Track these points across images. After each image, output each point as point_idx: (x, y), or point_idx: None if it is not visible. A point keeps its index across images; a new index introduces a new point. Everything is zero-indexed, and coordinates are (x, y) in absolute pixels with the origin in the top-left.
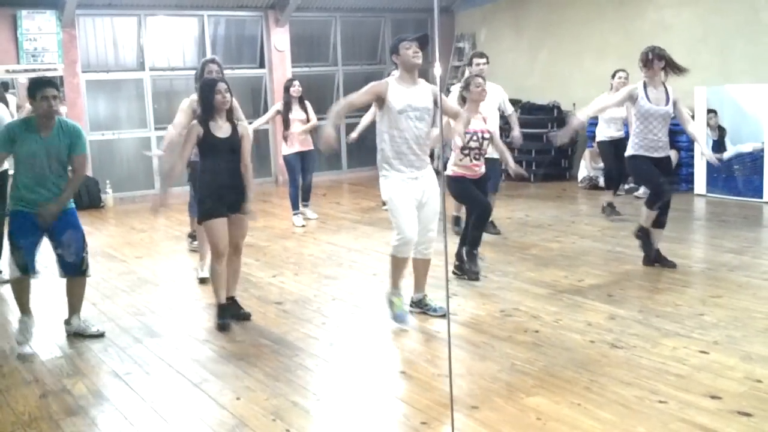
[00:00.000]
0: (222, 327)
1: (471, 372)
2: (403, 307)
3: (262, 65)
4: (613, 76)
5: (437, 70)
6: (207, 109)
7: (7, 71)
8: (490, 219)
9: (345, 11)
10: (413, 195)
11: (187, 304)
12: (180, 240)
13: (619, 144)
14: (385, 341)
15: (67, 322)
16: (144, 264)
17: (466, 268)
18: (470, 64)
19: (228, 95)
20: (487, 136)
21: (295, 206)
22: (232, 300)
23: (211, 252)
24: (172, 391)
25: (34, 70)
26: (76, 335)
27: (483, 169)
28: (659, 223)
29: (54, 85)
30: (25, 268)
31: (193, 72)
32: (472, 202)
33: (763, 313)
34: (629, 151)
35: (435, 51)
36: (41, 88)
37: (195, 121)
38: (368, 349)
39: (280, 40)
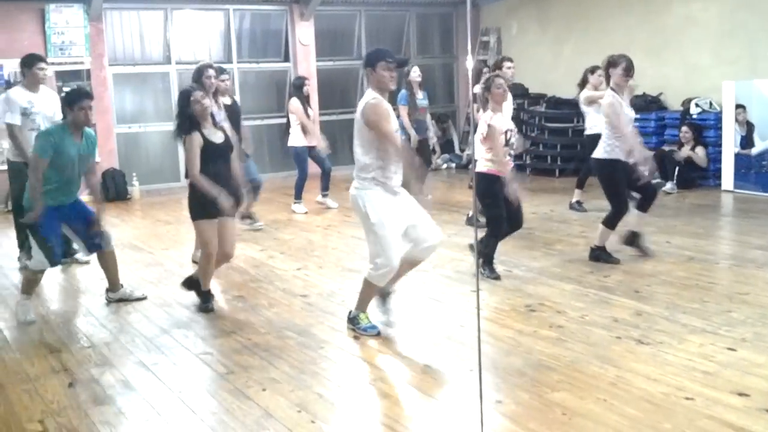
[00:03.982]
0: (207, 309)
1: (496, 366)
2: (370, 319)
3: (286, 59)
4: (593, 72)
5: (469, 62)
6: (193, 120)
7: None
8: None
9: (370, 5)
10: (400, 213)
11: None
12: None
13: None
14: (410, 334)
15: (111, 291)
16: (170, 256)
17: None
18: (500, 67)
19: (206, 101)
20: (515, 133)
21: (298, 195)
22: (207, 290)
23: (202, 251)
24: (199, 382)
25: (61, 64)
26: (120, 301)
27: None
28: (643, 207)
29: (91, 96)
30: (54, 261)
31: (219, 66)
32: (494, 208)
33: None
34: (606, 155)
35: (467, 45)
36: (80, 99)
37: (196, 132)
38: (393, 342)
39: (304, 34)
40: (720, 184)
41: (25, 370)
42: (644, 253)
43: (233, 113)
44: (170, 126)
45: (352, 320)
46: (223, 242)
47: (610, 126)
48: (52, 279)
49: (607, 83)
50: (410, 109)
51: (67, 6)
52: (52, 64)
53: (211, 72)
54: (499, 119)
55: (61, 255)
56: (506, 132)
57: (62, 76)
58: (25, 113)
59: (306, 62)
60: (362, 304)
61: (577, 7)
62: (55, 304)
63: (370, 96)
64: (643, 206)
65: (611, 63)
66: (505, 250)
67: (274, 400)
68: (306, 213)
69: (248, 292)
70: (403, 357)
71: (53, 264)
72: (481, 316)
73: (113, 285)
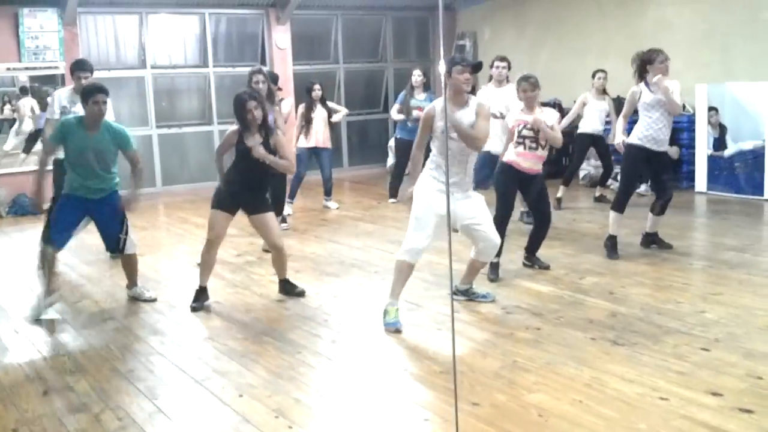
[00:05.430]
0: (194, 309)
1: (473, 369)
2: (398, 316)
3: (263, 63)
4: (593, 76)
5: (441, 67)
6: (241, 124)
7: (8, 69)
8: (525, 209)
9: (346, 9)
10: (439, 208)
11: (189, 302)
12: (182, 237)
13: (598, 140)
14: (387, 338)
15: (127, 287)
16: (146, 261)
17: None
18: (491, 65)
19: (258, 112)
20: (534, 130)
21: (291, 196)
22: (285, 281)
23: (207, 238)
24: (175, 389)
25: (35, 69)
26: (133, 299)
27: (537, 167)
28: (659, 209)
29: (105, 91)
30: (50, 242)
31: (194, 70)
32: (500, 200)
33: (764, 311)
34: (632, 139)
35: (439, 49)
36: (94, 93)
37: (236, 127)
38: (370, 347)
39: (281, 38)
40: (693, 186)
41: None
42: (666, 247)
43: None
44: (146, 131)
45: (384, 312)
46: (267, 235)
47: (641, 114)
48: (26, 285)
49: (641, 79)
50: (405, 110)
51: (41, 10)
52: (26, 69)
53: (260, 77)
54: (519, 114)
55: (63, 241)
56: (522, 123)
57: (36, 81)
58: (64, 111)
59: (283, 66)
60: (393, 289)
61: (553, 11)
62: (28, 310)
63: (437, 102)
64: (658, 210)
65: (647, 60)
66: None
67: (251, 405)
68: (289, 215)
69: (225, 298)
70: (380, 361)
71: (48, 244)
72: (458, 319)
73: (130, 282)
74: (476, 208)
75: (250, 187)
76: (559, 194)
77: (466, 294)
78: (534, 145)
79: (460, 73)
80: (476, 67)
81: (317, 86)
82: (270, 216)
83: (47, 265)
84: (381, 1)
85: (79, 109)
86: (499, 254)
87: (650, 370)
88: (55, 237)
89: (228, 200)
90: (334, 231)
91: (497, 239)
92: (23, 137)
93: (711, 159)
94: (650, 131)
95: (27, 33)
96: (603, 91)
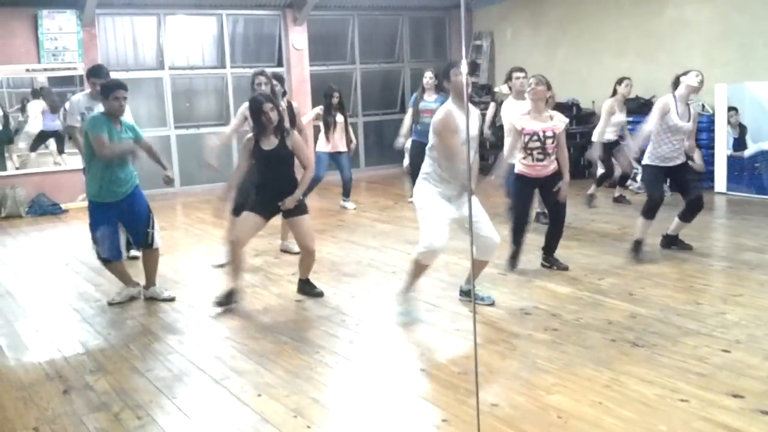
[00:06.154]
0: (218, 304)
1: (491, 370)
2: (413, 310)
3: (280, 64)
4: (620, 83)
5: (464, 67)
6: (257, 127)
7: (28, 70)
8: (541, 210)
9: (363, 10)
10: (449, 212)
11: (207, 302)
12: (200, 238)
13: (613, 146)
14: (405, 339)
15: (145, 287)
16: (164, 262)
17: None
18: (509, 78)
19: (274, 114)
20: (550, 134)
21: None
22: (306, 281)
23: (233, 239)
24: (194, 388)
25: (54, 70)
26: (151, 299)
27: (550, 170)
28: (688, 216)
29: (125, 87)
30: (101, 255)
31: (212, 71)
32: (514, 207)
33: None
34: (646, 160)
35: (461, 49)
36: (115, 89)
37: (250, 135)
38: (388, 347)
39: (298, 38)
40: (713, 187)
41: (19, 377)
42: (686, 248)
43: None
44: (164, 131)
45: (398, 300)
46: (302, 238)
47: (659, 132)
48: (47, 285)
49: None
50: (413, 112)
51: (59, 12)
52: (45, 70)
53: (262, 79)
54: (527, 120)
55: (113, 252)
56: (533, 134)
57: (55, 82)
58: (83, 118)
59: (299, 67)
60: (409, 284)
61: (569, 10)
62: (49, 310)
63: (445, 107)
64: (686, 216)
65: (681, 74)
66: (500, 254)
67: (269, 405)
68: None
69: (243, 297)
70: (399, 361)
71: (101, 258)
72: (477, 320)
73: (148, 282)
74: (475, 208)
75: (281, 190)
76: (618, 193)
77: (468, 295)
78: (541, 156)
79: (457, 75)
80: (470, 67)
81: (337, 94)
82: (306, 218)
83: (116, 273)
84: (397, 2)
85: None
86: (518, 244)
87: (670, 371)
88: (108, 251)
89: (259, 204)
90: (350, 231)
91: (496, 238)
92: (30, 138)
93: (731, 159)
94: (661, 152)
95: (46, 34)
96: (624, 100)
